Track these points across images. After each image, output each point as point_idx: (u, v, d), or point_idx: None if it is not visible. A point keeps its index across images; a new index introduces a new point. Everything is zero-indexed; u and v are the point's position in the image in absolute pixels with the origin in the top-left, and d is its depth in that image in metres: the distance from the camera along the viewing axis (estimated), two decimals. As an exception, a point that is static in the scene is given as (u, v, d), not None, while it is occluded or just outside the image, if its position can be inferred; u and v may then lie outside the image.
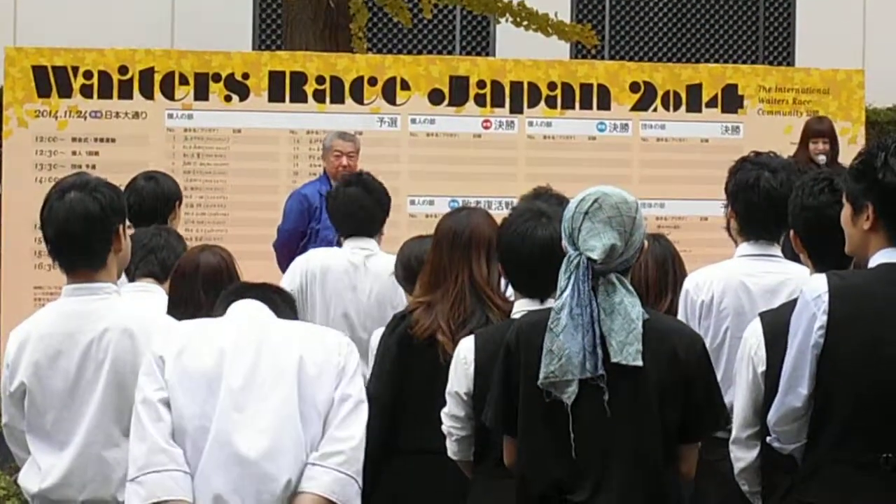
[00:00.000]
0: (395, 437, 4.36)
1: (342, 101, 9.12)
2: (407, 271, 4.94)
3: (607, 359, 3.42)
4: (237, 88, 9.05)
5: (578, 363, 3.40)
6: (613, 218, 3.49)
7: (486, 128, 9.25)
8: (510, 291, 4.26)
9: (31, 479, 3.84)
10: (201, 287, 4.43)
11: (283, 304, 3.78)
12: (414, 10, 11.43)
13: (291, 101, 9.09)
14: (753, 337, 3.86)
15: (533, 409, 3.50)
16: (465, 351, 3.97)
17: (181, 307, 4.35)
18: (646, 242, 3.61)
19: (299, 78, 9.10)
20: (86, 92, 8.92)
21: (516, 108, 9.26)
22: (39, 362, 3.80)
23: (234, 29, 13.99)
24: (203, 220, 8.96)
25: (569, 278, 3.44)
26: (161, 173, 6.29)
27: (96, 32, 12.28)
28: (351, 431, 3.54)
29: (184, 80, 9.02)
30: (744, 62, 14.65)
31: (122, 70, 8.97)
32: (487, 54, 14.49)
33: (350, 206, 6.18)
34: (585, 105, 9.31)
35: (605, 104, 9.33)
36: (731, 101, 9.42)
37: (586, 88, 9.33)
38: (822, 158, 8.52)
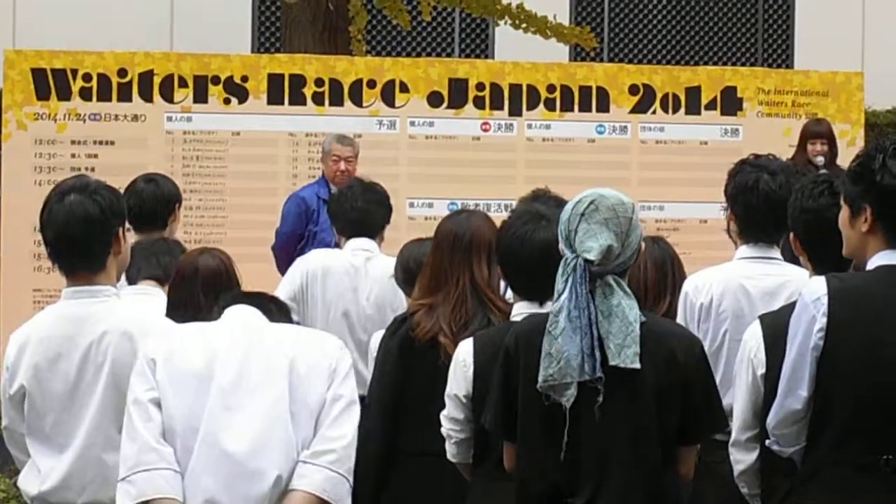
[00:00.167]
0: (396, 439, 4.37)
1: (341, 104, 9.12)
2: (406, 274, 4.94)
3: (605, 361, 3.42)
4: (236, 91, 9.05)
5: (577, 366, 3.41)
6: (610, 219, 3.49)
7: (485, 130, 9.25)
8: (510, 294, 4.26)
9: (30, 482, 3.85)
10: (200, 290, 4.44)
11: (277, 311, 3.80)
12: (413, 12, 11.44)
13: (290, 103, 9.09)
14: (753, 339, 3.86)
15: (532, 412, 3.51)
16: (463, 353, 3.97)
17: (180, 309, 4.36)
18: (643, 244, 3.61)
19: (298, 80, 9.10)
20: (85, 94, 8.92)
21: (515, 111, 9.26)
22: (39, 365, 3.81)
23: (233, 31, 14.00)
24: (202, 222, 8.96)
25: (566, 281, 3.44)
26: (161, 175, 6.30)
27: (95, 34, 12.29)
28: (343, 431, 3.54)
29: (183, 83, 9.02)
30: (743, 64, 14.67)
31: (121, 73, 8.97)
32: (486, 57, 14.50)
33: (352, 206, 6.20)
34: (584, 107, 9.31)
35: (603, 107, 9.33)
36: (730, 103, 9.42)
37: (585, 91, 9.33)
38: (820, 160, 8.53)
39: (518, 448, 3.59)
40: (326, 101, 9.12)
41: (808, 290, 3.52)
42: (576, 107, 9.30)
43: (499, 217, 4.34)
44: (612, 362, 3.42)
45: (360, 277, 6.12)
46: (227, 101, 9.04)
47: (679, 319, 4.69)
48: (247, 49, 13.88)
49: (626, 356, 3.42)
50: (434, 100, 9.20)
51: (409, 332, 4.34)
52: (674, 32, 15.27)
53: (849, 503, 3.45)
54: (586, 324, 3.41)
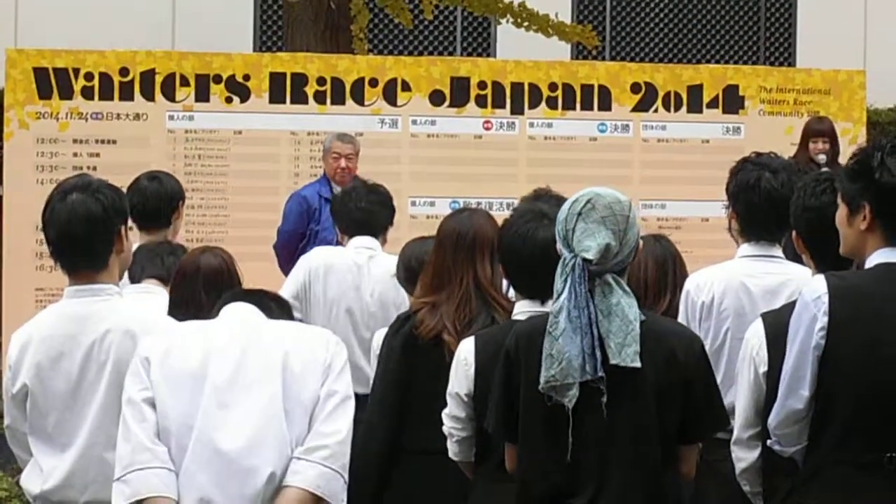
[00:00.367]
0: (399, 437, 4.37)
1: (343, 103, 9.13)
2: (408, 272, 4.95)
3: (606, 360, 3.42)
4: (238, 90, 9.06)
5: (578, 366, 3.40)
6: (607, 217, 3.49)
7: (487, 129, 9.25)
8: (512, 293, 4.26)
9: (32, 481, 3.85)
10: (202, 288, 4.44)
11: (277, 309, 3.79)
12: (415, 11, 11.43)
13: (292, 102, 9.10)
14: (755, 337, 3.86)
15: (534, 413, 3.51)
16: (465, 352, 3.97)
17: (182, 308, 4.36)
18: (640, 242, 3.61)
19: (300, 79, 9.11)
20: (87, 93, 8.93)
21: (517, 109, 9.27)
22: (41, 364, 3.81)
23: (234, 30, 13.99)
24: (204, 221, 8.97)
25: (565, 281, 3.44)
26: (164, 173, 6.30)
27: (97, 33, 12.29)
28: (337, 426, 3.53)
29: (185, 82, 9.03)
30: (745, 63, 14.65)
31: (123, 72, 8.98)
32: (488, 55, 14.50)
33: (356, 206, 6.22)
34: (586, 106, 9.31)
35: (605, 105, 9.33)
36: (732, 101, 9.43)
37: (587, 89, 9.33)
38: (822, 158, 8.52)
39: (519, 449, 3.59)
40: (328, 100, 9.12)
41: (807, 289, 3.52)
42: (578, 105, 9.30)
43: (501, 215, 4.34)
44: (612, 361, 3.42)
45: (363, 275, 6.14)
46: (228, 100, 9.04)
47: (680, 318, 4.68)
48: (248, 50, 13.86)
49: (627, 355, 3.42)
50: (436, 98, 9.20)
51: (413, 330, 4.34)
52: (676, 31, 15.26)
53: (850, 502, 3.45)
54: (586, 323, 3.41)
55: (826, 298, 3.43)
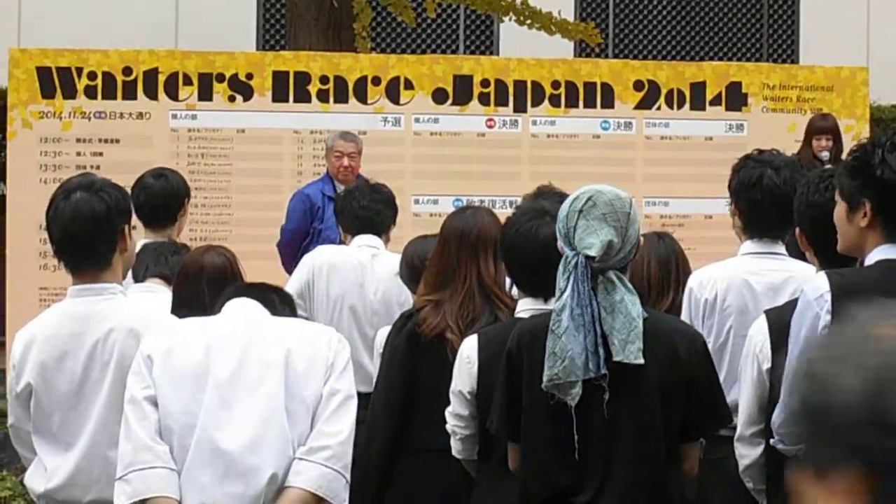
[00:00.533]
0: (402, 435, 4.37)
1: (346, 101, 9.13)
2: (411, 270, 4.95)
3: (609, 358, 3.42)
4: (241, 88, 9.06)
5: (581, 364, 3.40)
6: (608, 214, 3.48)
7: (490, 127, 9.25)
8: (515, 291, 4.26)
9: (36, 480, 3.86)
10: (206, 287, 4.43)
11: (281, 303, 3.79)
12: (418, 9, 11.44)
13: (295, 100, 9.10)
14: (759, 334, 3.86)
15: (537, 412, 3.50)
16: (468, 350, 3.97)
17: (186, 307, 4.36)
18: (641, 238, 3.61)
19: (303, 78, 9.11)
20: (90, 93, 8.94)
21: (520, 107, 9.26)
22: (45, 363, 3.81)
23: (237, 29, 14.01)
24: (207, 220, 8.98)
25: (568, 279, 3.43)
26: (169, 170, 6.32)
27: (100, 33, 12.30)
28: (339, 426, 3.53)
29: (188, 81, 9.03)
30: (748, 60, 14.66)
31: (126, 71, 8.98)
32: (491, 53, 14.50)
33: (360, 205, 6.23)
34: (589, 103, 9.31)
35: (608, 102, 9.33)
36: (735, 98, 9.42)
37: (590, 87, 9.33)
38: (825, 155, 8.52)
39: (522, 448, 3.59)
40: (331, 99, 9.13)
41: (809, 286, 3.51)
42: (580, 103, 9.30)
43: (504, 213, 4.34)
44: (615, 358, 3.42)
45: (366, 273, 6.14)
46: (231, 99, 9.05)
47: (684, 315, 4.68)
48: (251, 49, 13.87)
49: (630, 352, 3.42)
50: (439, 96, 9.20)
51: (416, 328, 4.35)
52: (678, 28, 15.26)
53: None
54: (589, 321, 3.41)
55: (829, 296, 3.42)
